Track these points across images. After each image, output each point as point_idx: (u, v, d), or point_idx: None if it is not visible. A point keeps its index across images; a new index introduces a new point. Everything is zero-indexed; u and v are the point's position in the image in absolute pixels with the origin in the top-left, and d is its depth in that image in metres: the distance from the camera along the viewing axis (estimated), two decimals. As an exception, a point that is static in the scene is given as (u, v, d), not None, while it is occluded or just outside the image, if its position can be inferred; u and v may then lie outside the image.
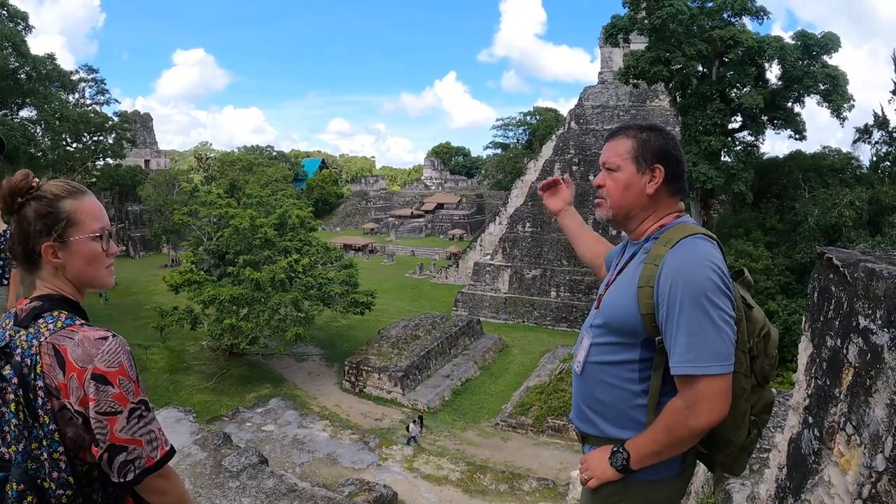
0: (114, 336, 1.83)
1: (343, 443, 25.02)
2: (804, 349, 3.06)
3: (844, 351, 2.47)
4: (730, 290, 2.17)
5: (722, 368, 2.09)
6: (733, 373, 2.18)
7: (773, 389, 6.26)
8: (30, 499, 1.74)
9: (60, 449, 1.76)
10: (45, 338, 1.78)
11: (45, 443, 1.75)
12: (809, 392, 2.88)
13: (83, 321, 1.90)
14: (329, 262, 38.02)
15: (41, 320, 1.83)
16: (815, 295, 2.97)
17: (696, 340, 2.09)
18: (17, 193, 1.90)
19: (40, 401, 1.74)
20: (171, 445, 1.91)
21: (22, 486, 1.74)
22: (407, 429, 25.74)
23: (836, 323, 2.60)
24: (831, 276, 2.74)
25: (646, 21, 35.19)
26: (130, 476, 1.79)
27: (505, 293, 49.57)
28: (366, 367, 32.09)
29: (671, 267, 2.19)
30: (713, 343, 2.08)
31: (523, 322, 47.56)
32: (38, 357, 1.75)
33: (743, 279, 2.43)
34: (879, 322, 2.19)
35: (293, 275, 32.83)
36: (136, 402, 1.80)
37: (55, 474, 1.76)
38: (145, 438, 1.81)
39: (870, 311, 2.28)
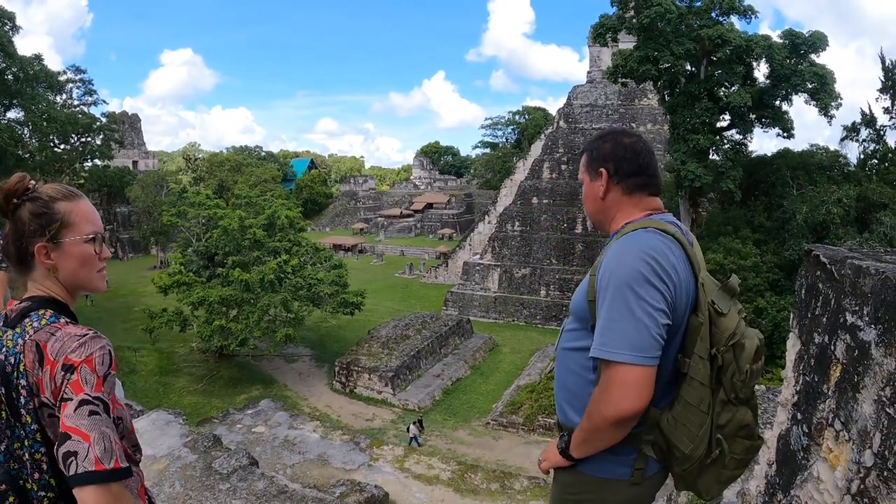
0: (95, 333, 1.81)
1: (334, 443, 24.91)
2: (792, 346, 3.07)
3: (832, 347, 2.48)
4: (666, 284, 2.13)
5: (635, 359, 2.06)
6: (690, 379, 2.17)
7: (763, 386, 6.28)
8: (11, 500, 1.73)
9: (42, 450, 1.74)
10: (30, 336, 1.78)
11: (27, 443, 1.73)
12: (798, 388, 2.89)
13: (68, 320, 1.88)
14: (318, 263, 37.97)
15: (27, 319, 1.83)
16: (803, 292, 2.98)
17: (610, 326, 2.12)
18: (14, 195, 1.90)
19: (23, 400, 1.73)
20: (129, 467, 1.72)
21: (4, 486, 1.73)
22: (407, 430, 25.66)
23: (824, 320, 2.61)
24: (819, 273, 2.75)
25: (634, 20, 35.31)
26: (72, 470, 1.62)
27: (495, 292, 49.61)
28: (356, 368, 32.05)
29: (608, 256, 2.24)
30: (627, 332, 2.08)
31: (513, 321, 47.64)
32: (21, 356, 1.75)
33: (726, 285, 2.35)
34: (867, 318, 2.20)
35: (282, 275, 32.75)
36: (93, 397, 1.69)
37: (37, 475, 1.74)
38: (95, 436, 1.64)
39: (857, 308, 2.29)
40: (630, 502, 2.44)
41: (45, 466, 1.75)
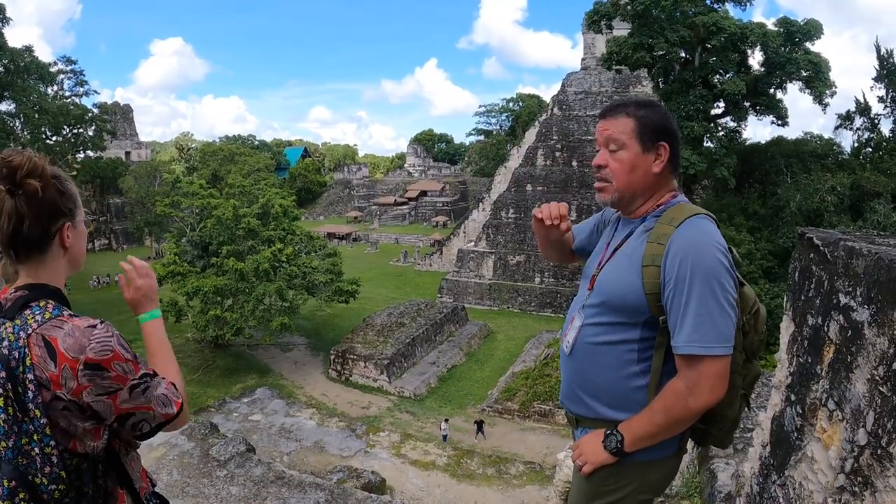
0: (102, 323, 1.79)
1: (330, 431, 25.06)
2: (786, 328, 3.08)
3: (825, 328, 2.50)
4: (735, 272, 2.21)
5: (724, 350, 2.11)
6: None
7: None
8: (21, 495, 1.69)
9: (52, 443, 1.70)
10: (34, 329, 1.72)
11: (35, 437, 1.69)
12: (791, 370, 2.91)
13: (71, 312, 1.85)
14: (313, 251, 37.88)
15: (28, 311, 1.77)
16: (797, 274, 3.00)
17: (702, 321, 2.10)
18: (34, 172, 1.81)
19: (31, 394, 1.68)
20: (182, 403, 1.95)
21: (13, 482, 1.69)
22: (441, 427, 25.58)
23: (817, 301, 2.63)
24: (812, 255, 2.77)
25: (628, 7, 35.26)
26: (146, 429, 1.87)
27: (489, 279, 49.67)
28: (351, 356, 32.11)
29: (680, 246, 2.18)
30: (718, 324, 2.10)
31: (508, 308, 47.73)
32: (26, 349, 1.69)
33: (731, 257, 2.40)
34: (860, 299, 2.22)
35: (277, 264, 32.71)
36: (138, 378, 1.80)
37: (47, 469, 1.71)
38: (155, 403, 1.85)
39: (850, 289, 2.31)
40: (667, 476, 2.51)
41: (55, 459, 1.72)
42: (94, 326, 1.77)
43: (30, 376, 1.69)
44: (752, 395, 2.55)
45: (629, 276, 2.28)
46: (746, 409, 2.42)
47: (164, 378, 1.93)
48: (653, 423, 2.23)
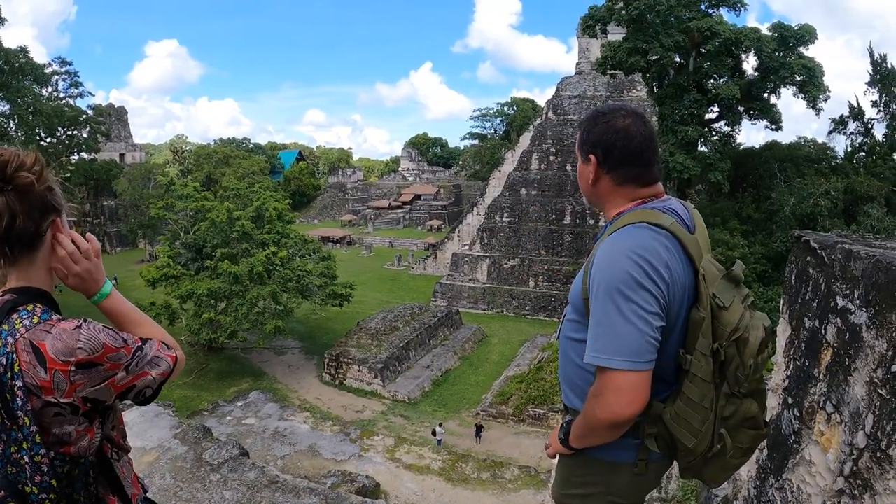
0: (85, 321, 1.75)
1: (324, 435, 25.00)
2: (782, 331, 3.08)
3: (823, 331, 2.49)
4: (657, 284, 2.04)
5: (627, 365, 2.00)
6: (692, 376, 2.09)
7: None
8: None
9: (42, 451, 1.66)
10: (22, 334, 1.67)
11: (25, 445, 1.65)
12: (788, 373, 2.91)
13: (59, 316, 1.80)
14: (307, 255, 37.83)
15: (16, 315, 1.72)
16: (793, 277, 2.99)
17: (603, 332, 2.05)
18: (23, 167, 1.76)
19: (19, 402, 1.63)
20: (177, 354, 1.97)
21: (2, 493, 1.64)
22: (433, 432, 25.47)
23: (815, 304, 2.63)
24: (809, 258, 2.76)
25: (623, 12, 35.38)
26: (149, 393, 1.87)
27: (483, 283, 49.67)
28: (345, 360, 32.05)
29: (598, 255, 2.16)
30: (622, 337, 2.01)
31: (502, 312, 47.70)
32: (14, 355, 1.64)
33: (729, 274, 2.20)
34: (857, 302, 2.21)
35: (271, 267, 32.66)
36: (131, 357, 1.77)
37: (37, 478, 1.67)
38: (150, 367, 1.84)
39: (848, 292, 2.30)
40: (636, 485, 2.44)
41: (45, 468, 1.67)
42: (80, 327, 1.72)
43: (18, 383, 1.64)
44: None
45: (579, 280, 2.30)
46: (730, 450, 2.15)
47: (150, 340, 1.91)
48: (579, 425, 2.27)
